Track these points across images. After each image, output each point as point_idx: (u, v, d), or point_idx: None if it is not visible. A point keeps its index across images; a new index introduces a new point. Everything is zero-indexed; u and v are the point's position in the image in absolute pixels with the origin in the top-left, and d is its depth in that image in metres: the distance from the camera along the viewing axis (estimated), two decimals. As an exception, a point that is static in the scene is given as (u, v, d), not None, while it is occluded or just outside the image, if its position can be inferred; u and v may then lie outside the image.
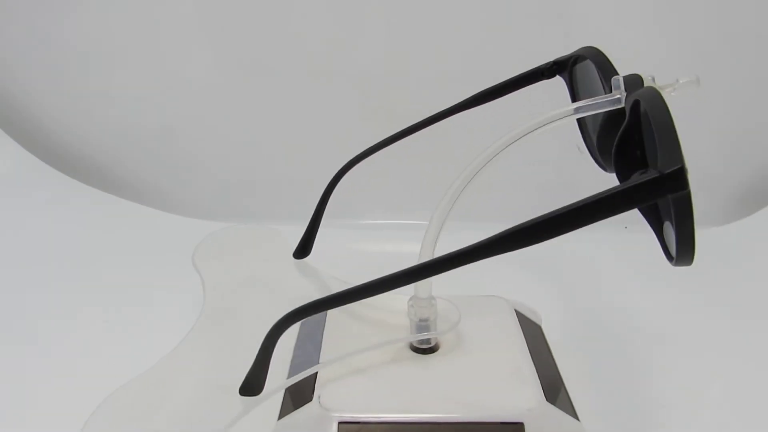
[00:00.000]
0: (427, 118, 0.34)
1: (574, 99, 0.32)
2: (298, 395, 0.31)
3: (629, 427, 0.33)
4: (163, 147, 0.60)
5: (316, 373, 0.31)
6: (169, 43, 0.57)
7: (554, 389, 0.30)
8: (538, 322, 0.39)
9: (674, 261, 0.21)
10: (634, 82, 0.24)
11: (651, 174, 0.19)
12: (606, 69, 0.27)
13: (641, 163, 0.22)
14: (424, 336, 0.31)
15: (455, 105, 0.33)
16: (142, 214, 0.57)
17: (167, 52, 0.58)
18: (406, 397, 0.28)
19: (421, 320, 0.31)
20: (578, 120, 0.31)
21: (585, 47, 0.30)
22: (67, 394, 0.34)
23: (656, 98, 0.21)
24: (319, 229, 0.45)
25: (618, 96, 0.24)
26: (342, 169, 0.38)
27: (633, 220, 0.30)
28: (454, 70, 0.56)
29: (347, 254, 0.53)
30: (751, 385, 0.36)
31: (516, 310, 0.37)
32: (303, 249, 0.43)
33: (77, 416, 0.32)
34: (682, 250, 0.20)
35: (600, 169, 0.30)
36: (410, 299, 0.31)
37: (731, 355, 0.39)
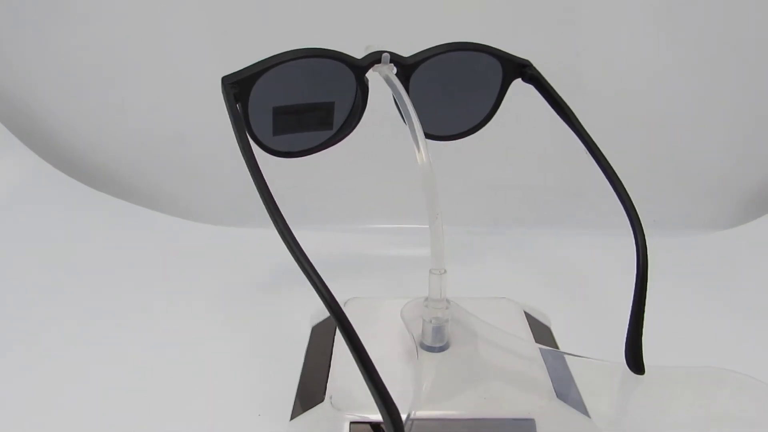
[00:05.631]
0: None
1: (248, 114, 0.30)
2: (310, 396, 0.31)
3: (639, 425, 0.33)
4: (176, 154, 0.61)
5: (327, 373, 0.31)
6: (180, 52, 0.58)
7: (565, 387, 0.30)
8: (547, 324, 0.39)
9: None
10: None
11: (530, 69, 0.33)
12: (344, 56, 0.29)
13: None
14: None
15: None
16: (156, 221, 0.58)
17: (179, 62, 0.58)
18: (417, 396, 0.28)
19: (435, 320, 0.31)
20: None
21: (260, 61, 0.29)
22: (80, 399, 0.35)
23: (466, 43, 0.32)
24: (323, 234, 0.44)
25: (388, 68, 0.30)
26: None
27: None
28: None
29: (353, 259, 0.53)
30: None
31: (525, 312, 0.37)
32: None
33: (88, 420, 0.33)
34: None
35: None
36: (425, 300, 0.31)
37: (739, 357, 0.39)
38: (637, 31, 0.55)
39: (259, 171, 0.25)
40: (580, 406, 0.29)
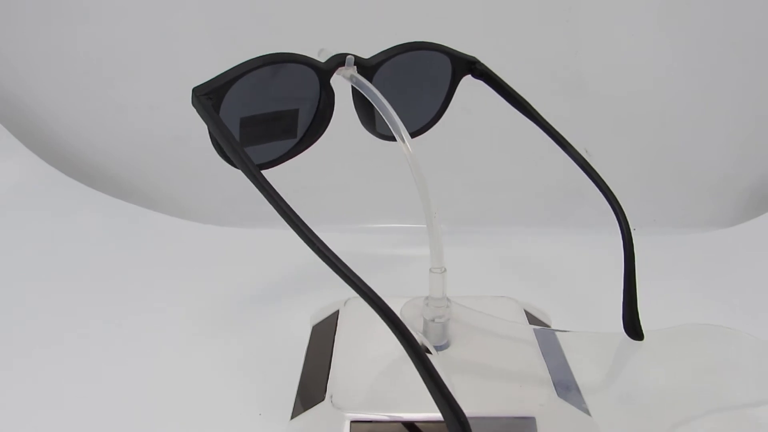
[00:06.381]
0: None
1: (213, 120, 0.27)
2: (310, 395, 0.31)
3: (641, 424, 0.33)
4: (175, 154, 0.61)
5: (327, 373, 0.31)
6: (180, 52, 0.58)
7: (565, 386, 0.30)
8: (547, 322, 0.39)
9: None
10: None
11: (479, 65, 0.34)
12: (310, 60, 0.29)
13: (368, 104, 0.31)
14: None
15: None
16: (155, 221, 0.58)
17: (179, 61, 0.58)
18: (417, 395, 0.28)
19: (436, 319, 0.31)
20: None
21: (230, 69, 0.28)
22: (81, 398, 0.35)
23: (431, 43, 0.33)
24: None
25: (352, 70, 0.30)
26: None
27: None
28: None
29: (352, 259, 0.53)
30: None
31: (525, 311, 0.37)
32: None
33: (89, 419, 0.33)
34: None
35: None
36: (426, 299, 0.31)
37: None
38: (637, 31, 0.55)
39: (264, 177, 0.24)
40: (581, 405, 0.29)
